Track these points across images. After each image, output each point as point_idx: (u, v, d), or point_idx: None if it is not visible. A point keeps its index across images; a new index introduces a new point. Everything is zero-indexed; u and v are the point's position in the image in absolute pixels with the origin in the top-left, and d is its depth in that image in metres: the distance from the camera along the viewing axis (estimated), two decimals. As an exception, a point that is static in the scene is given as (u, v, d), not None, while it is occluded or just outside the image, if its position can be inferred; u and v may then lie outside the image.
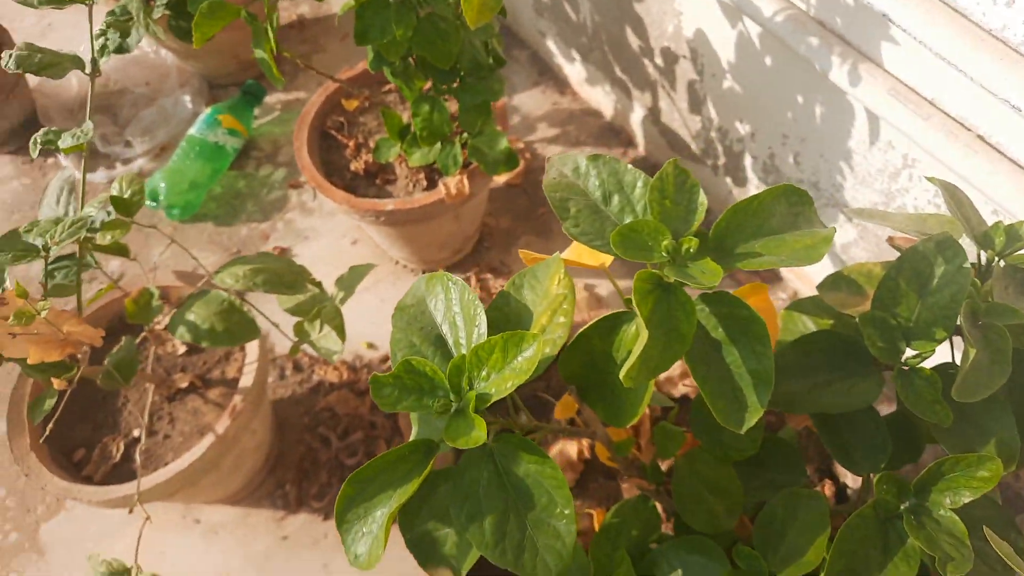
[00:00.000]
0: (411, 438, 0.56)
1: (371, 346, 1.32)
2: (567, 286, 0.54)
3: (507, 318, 0.56)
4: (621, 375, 0.45)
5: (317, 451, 1.22)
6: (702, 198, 0.53)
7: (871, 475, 0.64)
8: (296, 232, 1.45)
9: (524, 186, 1.46)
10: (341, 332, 0.84)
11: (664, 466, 0.74)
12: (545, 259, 0.57)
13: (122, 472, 0.99)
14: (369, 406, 1.25)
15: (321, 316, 0.86)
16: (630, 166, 0.54)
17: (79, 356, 0.83)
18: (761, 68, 1.02)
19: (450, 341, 0.56)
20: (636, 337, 0.51)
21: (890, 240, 0.69)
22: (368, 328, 1.33)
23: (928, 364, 0.59)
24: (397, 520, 0.58)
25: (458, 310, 0.56)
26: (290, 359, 1.32)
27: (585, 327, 0.53)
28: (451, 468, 0.56)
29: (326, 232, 1.45)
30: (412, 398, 0.52)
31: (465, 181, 1.10)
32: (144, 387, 1.05)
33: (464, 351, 0.54)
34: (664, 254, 0.50)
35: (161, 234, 0.95)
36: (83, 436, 1.03)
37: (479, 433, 0.48)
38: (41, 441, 0.99)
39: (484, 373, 0.50)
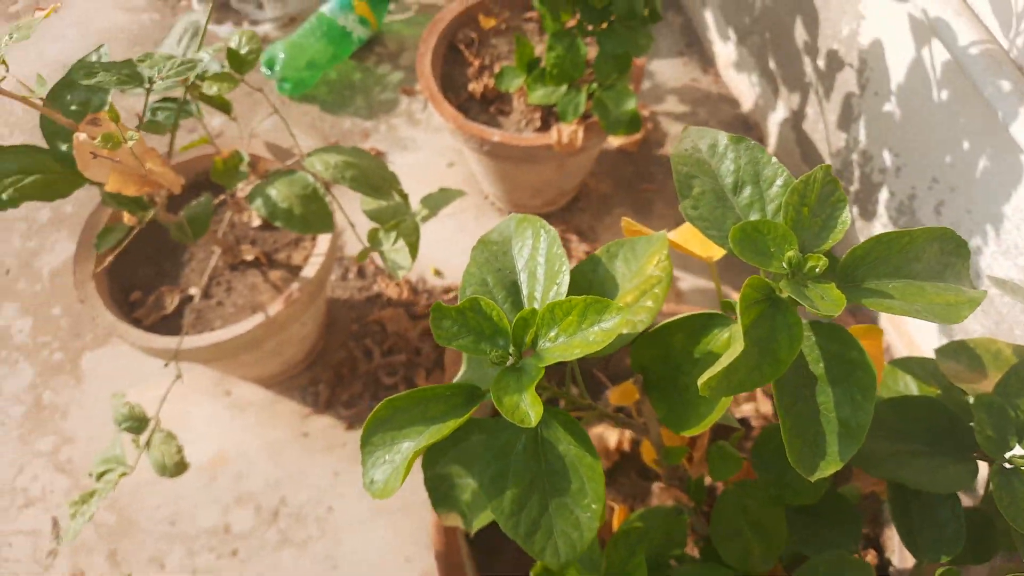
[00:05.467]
0: (456, 379, 0.52)
1: (438, 273, 1.29)
2: (665, 269, 0.48)
3: (590, 284, 0.51)
4: (700, 381, 0.40)
5: (358, 361, 1.21)
6: (845, 216, 0.46)
7: (928, 563, 0.57)
8: (396, 139, 1.42)
9: (636, 156, 1.39)
10: (414, 250, 0.81)
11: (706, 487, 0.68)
12: (648, 234, 0.51)
13: (170, 324, 0.99)
14: (419, 332, 1.23)
15: (399, 229, 0.82)
16: (774, 159, 0.48)
17: (156, 200, 0.82)
18: (932, 100, 0.92)
19: (524, 292, 0.51)
20: (726, 345, 0.46)
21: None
22: (440, 254, 1.30)
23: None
24: (421, 456, 0.54)
25: (542, 261, 0.51)
26: (356, 263, 1.30)
27: (672, 319, 0.47)
28: (488, 421, 0.52)
29: (426, 147, 1.41)
30: (470, 338, 0.48)
31: (580, 132, 1.04)
32: (211, 249, 1.04)
33: (537, 305, 0.49)
34: (785, 266, 0.44)
35: (265, 105, 0.92)
36: (144, 279, 1.03)
37: (529, 404, 0.44)
38: (102, 270, 1.00)
39: (553, 334, 0.46)
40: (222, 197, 0.92)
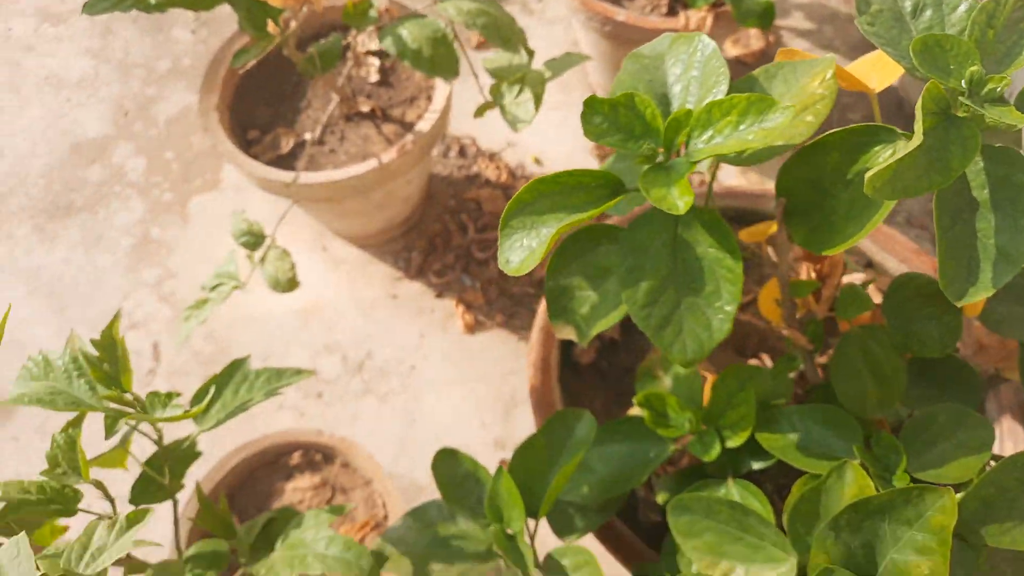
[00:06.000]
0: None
1: (538, 161, 1.29)
2: (830, 88, 0.47)
3: (748, 98, 0.51)
4: (868, 176, 0.40)
5: (452, 233, 1.22)
6: (1033, 44, 0.44)
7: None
8: (511, 26, 1.41)
9: (753, 68, 1.35)
10: (538, 101, 0.81)
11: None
12: (811, 58, 0.50)
13: (283, 165, 1.02)
14: (515, 214, 1.23)
15: (525, 80, 0.82)
16: (962, -18, 0.46)
17: (290, 25, 0.84)
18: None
19: (676, 104, 0.51)
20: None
21: None
22: (542, 143, 1.30)
23: None
24: (547, 264, 0.56)
25: (697, 74, 0.51)
26: (458, 141, 1.31)
27: (831, 132, 0.47)
28: (619, 227, 0.53)
29: (538, 38, 1.40)
30: (619, 136, 0.48)
31: (709, 20, 1.01)
32: (329, 97, 1.06)
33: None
34: (964, 84, 0.43)
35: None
36: (262, 120, 1.06)
37: (677, 194, 0.44)
38: (223, 105, 1.03)
39: (708, 135, 0.46)
40: (345, 41, 0.94)
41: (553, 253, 0.55)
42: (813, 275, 0.58)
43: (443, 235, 1.23)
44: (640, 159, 0.47)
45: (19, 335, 1.16)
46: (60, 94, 1.41)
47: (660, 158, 0.47)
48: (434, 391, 1.12)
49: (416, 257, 1.21)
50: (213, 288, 0.87)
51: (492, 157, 1.30)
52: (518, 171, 1.29)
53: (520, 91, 0.84)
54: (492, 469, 1.08)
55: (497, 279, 1.19)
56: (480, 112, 0.90)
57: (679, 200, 0.44)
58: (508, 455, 1.08)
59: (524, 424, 1.09)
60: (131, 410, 0.56)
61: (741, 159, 0.48)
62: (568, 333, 0.56)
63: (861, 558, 0.45)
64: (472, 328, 1.16)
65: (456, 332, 1.15)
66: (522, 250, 0.48)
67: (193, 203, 1.29)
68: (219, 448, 1.00)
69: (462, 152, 1.31)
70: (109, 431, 0.54)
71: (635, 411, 0.66)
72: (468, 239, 1.22)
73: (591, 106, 0.48)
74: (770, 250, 0.57)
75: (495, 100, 0.87)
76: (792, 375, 0.59)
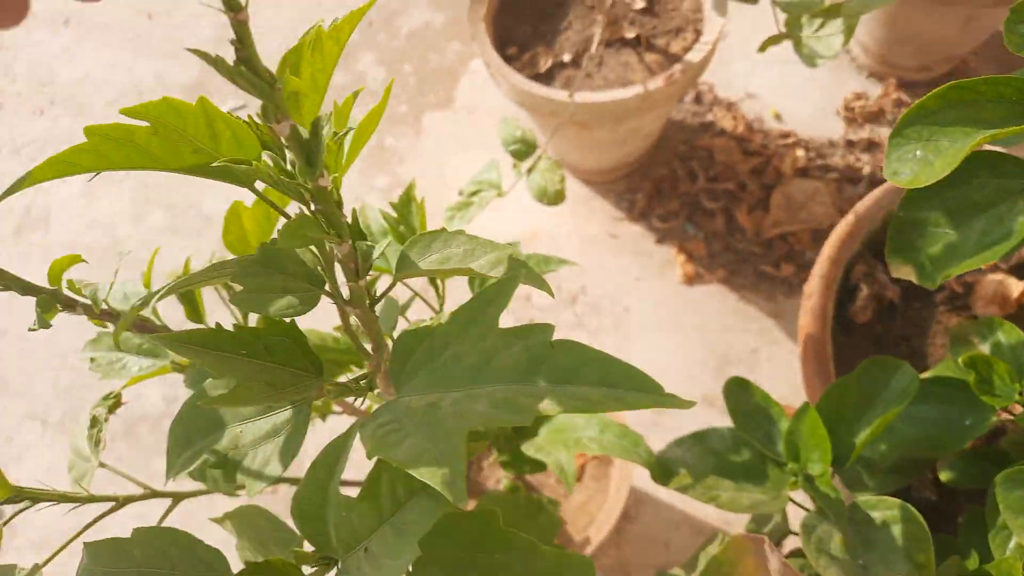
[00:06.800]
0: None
1: (778, 117, 1.23)
2: None
3: None
4: None
5: (680, 180, 1.19)
6: None
7: None
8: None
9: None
10: (849, 35, 0.75)
11: None
12: None
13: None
14: (748, 168, 1.18)
15: (842, 9, 0.76)
16: None
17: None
18: None
19: None
20: None
21: None
22: (784, 98, 1.23)
23: None
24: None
25: None
26: (695, 87, 1.26)
27: None
28: (1010, 156, 0.47)
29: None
30: (1052, 51, 0.43)
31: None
32: (592, 19, 1.04)
33: None
34: None
35: None
36: (522, 37, 1.06)
37: None
38: (488, 17, 1.03)
39: None
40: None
41: (912, 182, 0.50)
42: None
43: (670, 180, 1.19)
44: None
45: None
46: None
47: (1104, 78, 0.42)
48: (645, 336, 1.09)
49: (641, 200, 1.18)
50: (473, 193, 0.87)
51: (729, 107, 1.24)
52: (755, 124, 1.23)
53: (822, 24, 0.78)
54: (697, 427, 1.06)
55: (723, 232, 1.14)
56: (765, 46, 0.84)
57: None
58: (717, 413, 1.04)
59: (736, 384, 1.05)
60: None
61: None
62: (906, 273, 0.51)
63: None
64: (691, 279, 1.12)
65: (673, 280, 1.12)
66: (915, 162, 0.44)
67: (426, 118, 1.31)
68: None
69: (698, 99, 1.26)
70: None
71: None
72: (696, 187, 1.18)
73: (1018, 12, 0.43)
74: None
75: (790, 32, 0.81)
76: None
